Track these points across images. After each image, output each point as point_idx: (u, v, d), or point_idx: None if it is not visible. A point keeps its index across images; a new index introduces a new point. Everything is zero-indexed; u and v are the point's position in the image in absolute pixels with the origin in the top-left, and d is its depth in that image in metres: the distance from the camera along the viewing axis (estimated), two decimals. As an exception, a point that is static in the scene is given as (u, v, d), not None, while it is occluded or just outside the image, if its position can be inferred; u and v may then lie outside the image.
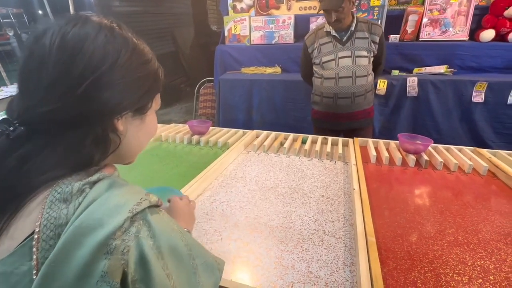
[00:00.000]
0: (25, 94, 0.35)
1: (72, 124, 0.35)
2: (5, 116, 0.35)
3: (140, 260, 0.32)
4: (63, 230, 0.30)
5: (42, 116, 0.34)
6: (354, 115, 1.57)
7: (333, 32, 1.49)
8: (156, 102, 0.45)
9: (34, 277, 0.30)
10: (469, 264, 0.64)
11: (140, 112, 0.42)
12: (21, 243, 0.31)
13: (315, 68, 1.61)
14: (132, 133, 0.42)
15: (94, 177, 0.35)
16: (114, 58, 0.36)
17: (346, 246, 0.70)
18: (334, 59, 1.50)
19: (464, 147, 1.23)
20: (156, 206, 0.37)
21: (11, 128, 0.34)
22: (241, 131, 1.51)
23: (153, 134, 0.47)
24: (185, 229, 0.57)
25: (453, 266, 0.63)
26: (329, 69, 1.52)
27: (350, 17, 1.47)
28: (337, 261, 0.66)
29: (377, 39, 1.48)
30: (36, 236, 0.31)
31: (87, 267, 0.29)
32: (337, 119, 1.60)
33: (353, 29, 1.47)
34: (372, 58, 1.52)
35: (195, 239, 0.43)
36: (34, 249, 0.30)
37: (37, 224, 0.31)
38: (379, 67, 1.62)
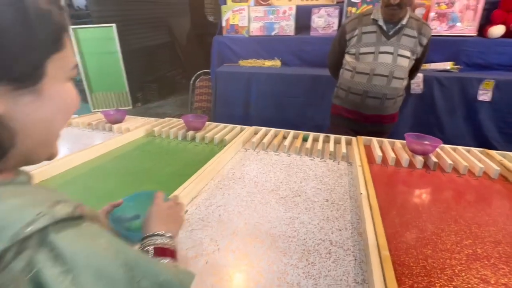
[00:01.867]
0: None
1: None
2: None
3: None
4: None
5: None
6: (379, 118, 1.43)
7: (381, 22, 1.31)
8: (60, 66, 0.31)
9: None
10: (492, 282, 0.58)
11: (26, 84, 0.28)
12: None
13: (347, 58, 1.43)
14: (27, 115, 0.29)
15: None
16: None
17: (356, 259, 0.64)
18: (373, 53, 1.33)
19: (472, 148, 1.17)
20: (73, 218, 0.27)
21: None
22: (238, 127, 1.43)
23: (69, 109, 0.33)
24: (162, 232, 0.48)
25: (475, 285, 0.57)
26: (365, 63, 1.35)
27: (406, 9, 1.29)
28: (347, 278, 0.59)
29: (424, 42, 1.33)
30: None
31: None
32: (360, 119, 1.45)
33: (404, 23, 1.30)
34: (413, 61, 1.36)
35: (143, 256, 0.34)
36: None
37: None
38: (414, 72, 1.46)
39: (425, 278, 0.59)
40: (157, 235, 0.47)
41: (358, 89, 1.41)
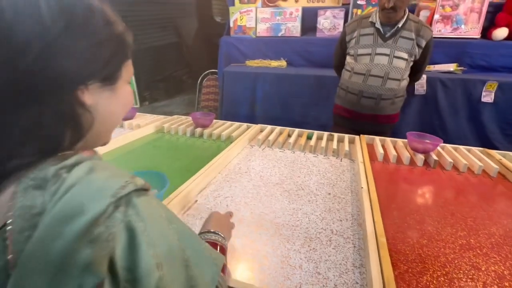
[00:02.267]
0: None
1: (26, 99, 0.30)
2: None
3: (129, 245, 0.29)
4: (39, 219, 0.28)
5: None
6: (376, 118, 1.47)
7: (378, 24, 1.36)
8: (127, 71, 0.40)
9: (11, 272, 0.27)
10: (483, 269, 0.62)
11: (109, 82, 0.37)
12: None
13: (348, 59, 1.48)
14: (104, 107, 0.37)
15: (71, 160, 0.32)
16: (67, 19, 0.31)
17: (355, 246, 0.68)
18: (370, 54, 1.38)
19: (473, 148, 1.20)
20: (144, 189, 0.34)
21: None
22: (245, 125, 1.48)
23: (128, 106, 0.42)
24: (217, 231, 0.56)
25: (466, 271, 0.61)
26: (362, 64, 1.40)
27: (403, 12, 1.33)
28: (346, 262, 0.63)
29: (423, 44, 1.34)
30: (8, 228, 0.28)
31: (68, 258, 0.26)
32: (358, 119, 1.50)
33: (400, 26, 1.33)
34: (412, 63, 1.38)
35: (189, 228, 0.39)
36: (8, 242, 0.27)
37: (9, 214, 0.28)
38: (417, 74, 1.47)
39: (419, 264, 0.63)
40: (213, 232, 0.56)
41: (355, 89, 1.45)
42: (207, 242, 0.52)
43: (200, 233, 0.57)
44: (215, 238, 0.55)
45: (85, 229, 0.27)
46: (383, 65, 1.37)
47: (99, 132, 0.38)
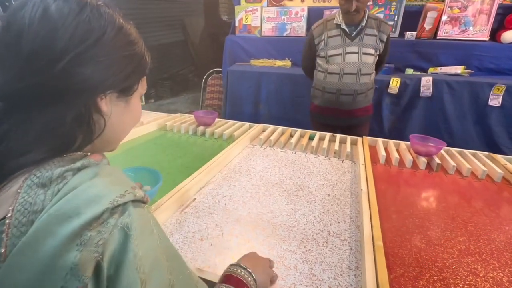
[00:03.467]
0: (2, 68, 0.33)
1: (52, 99, 0.33)
2: None
3: (118, 253, 0.30)
4: (37, 216, 0.29)
5: (21, 91, 0.32)
6: (353, 112, 1.56)
7: (343, 26, 1.45)
8: (142, 86, 0.44)
9: (2, 265, 0.28)
10: (481, 275, 0.61)
11: (126, 94, 0.40)
12: None
13: (318, 61, 1.57)
14: (117, 116, 0.40)
15: (78, 164, 0.33)
16: (99, 34, 0.35)
17: (351, 249, 0.68)
18: (340, 54, 1.47)
19: (478, 152, 1.18)
20: (142, 202, 0.35)
21: None
22: (247, 124, 1.48)
23: (137, 119, 0.45)
24: (249, 269, 0.50)
25: (464, 277, 0.60)
26: (334, 64, 1.49)
27: (363, 12, 1.43)
28: (341, 264, 0.63)
29: (384, 38, 1.46)
30: (7, 221, 0.29)
31: (56, 258, 0.27)
32: (336, 115, 1.59)
33: (364, 24, 1.43)
34: (377, 57, 1.49)
35: (176, 251, 0.38)
36: (4, 235, 0.28)
37: (10, 208, 0.29)
38: (381, 65, 1.60)
39: (416, 268, 0.62)
40: (243, 268, 0.51)
41: (332, 88, 1.53)
42: (229, 275, 0.49)
43: (231, 265, 0.53)
44: (241, 274, 0.49)
45: (77, 231, 0.28)
46: (354, 62, 1.46)
47: (108, 139, 0.41)
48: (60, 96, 0.33)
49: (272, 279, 0.57)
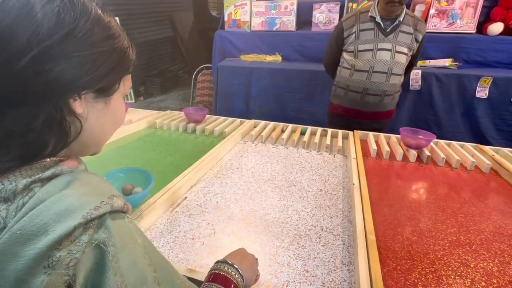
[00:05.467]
0: None
1: (16, 101, 0.29)
2: None
3: (94, 272, 0.27)
4: None
5: None
6: (378, 115, 1.45)
7: (378, 19, 1.32)
8: (125, 85, 0.39)
9: None
10: (471, 266, 0.61)
11: (104, 94, 0.36)
12: None
13: (345, 55, 1.43)
14: (95, 118, 0.36)
15: (48, 173, 0.30)
16: (71, 27, 0.30)
17: (344, 243, 0.68)
18: (372, 50, 1.34)
19: (466, 143, 1.20)
20: (122, 212, 0.32)
21: None
22: (238, 120, 1.46)
23: (120, 121, 0.41)
24: (236, 266, 0.48)
25: (455, 268, 0.61)
26: (363, 60, 1.36)
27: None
28: (334, 260, 0.63)
29: (420, 38, 1.35)
30: None
31: (20, 283, 0.24)
32: (359, 117, 1.46)
33: (401, 20, 1.31)
34: (410, 57, 1.37)
35: (165, 259, 0.36)
36: None
37: None
38: (410, 68, 1.49)
39: (408, 261, 0.62)
40: (230, 265, 0.48)
41: (358, 87, 1.41)
42: (215, 273, 0.46)
43: (217, 262, 0.50)
44: (228, 271, 0.47)
45: (44, 252, 0.25)
46: (385, 60, 1.34)
47: (87, 142, 0.37)
48: (24, 97, 0.29)
49: (257, 277, 0.55)
